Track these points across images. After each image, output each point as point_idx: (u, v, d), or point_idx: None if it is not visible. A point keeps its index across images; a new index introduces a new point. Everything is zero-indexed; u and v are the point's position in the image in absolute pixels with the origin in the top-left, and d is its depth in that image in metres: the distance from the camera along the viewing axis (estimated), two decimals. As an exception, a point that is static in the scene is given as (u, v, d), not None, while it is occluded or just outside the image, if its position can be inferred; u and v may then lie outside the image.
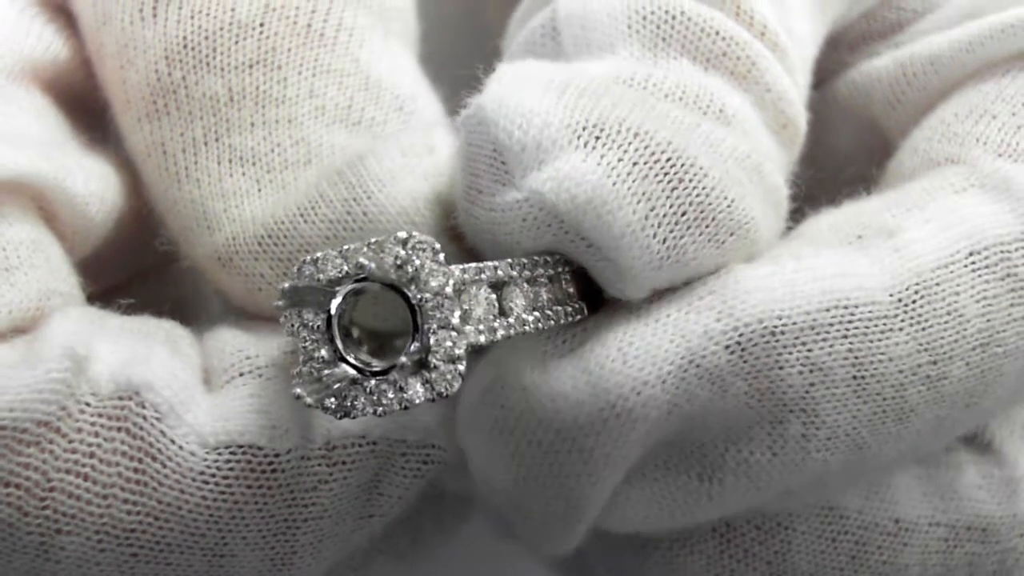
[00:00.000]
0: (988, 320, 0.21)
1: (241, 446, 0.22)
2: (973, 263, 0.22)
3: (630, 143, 0.20)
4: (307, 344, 0.20)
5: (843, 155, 0.28)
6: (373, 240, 0.20)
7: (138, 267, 0.28)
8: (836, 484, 0.22)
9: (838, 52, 0.28)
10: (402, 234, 0.19)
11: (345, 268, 0.20)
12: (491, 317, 0.20)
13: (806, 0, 0.25)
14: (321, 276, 0.20)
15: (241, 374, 0.23)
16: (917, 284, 0.21)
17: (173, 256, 0.25)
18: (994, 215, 0.22)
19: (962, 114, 0.24)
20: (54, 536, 0.21)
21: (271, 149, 0.23)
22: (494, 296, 0.20)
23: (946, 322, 0.21)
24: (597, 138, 0.20)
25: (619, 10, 0.23)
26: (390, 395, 0.19)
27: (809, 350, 0.20)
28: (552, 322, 0.21)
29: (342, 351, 0.20)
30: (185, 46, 0.23)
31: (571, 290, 0.21)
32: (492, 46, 0.28)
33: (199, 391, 0.22)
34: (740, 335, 0.20)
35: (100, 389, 0.21)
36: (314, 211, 0.23)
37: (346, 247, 0.20)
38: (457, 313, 0.19)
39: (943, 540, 0.24)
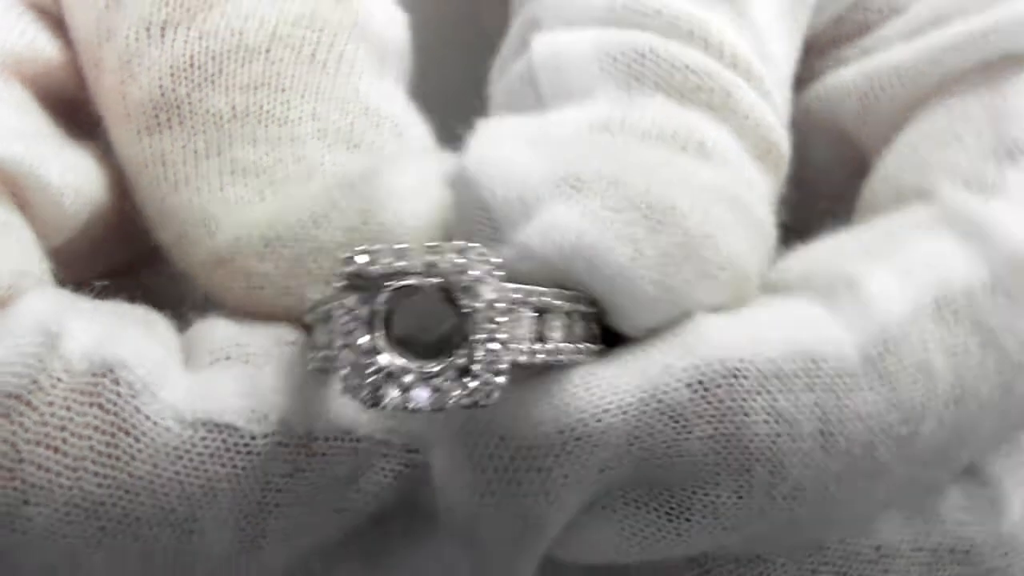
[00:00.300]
0: (959, 374, 0.22)
1: (218, 424, 0.21)
2: (940, 313, 0.22)
3: (608, 192, 0.21)
4: (348, 330, 0.20)
5: (817, 168, 0.29)
6: (432, 244, 0.20)
7: (114, 264, 0.28)
8: (810, 531, 0.23)
9: (808, 59, 0.28)
10: (459, 243, 0.20)
11: (399, 264, 0.20)
12: (532, 340, 0.21)
13: (778, 20, 0.25)
14: (373, 268, 0.20)
15: (228, 358, 0.23)
16: (885, 339, 0.21)
17: (154, 255, 0.25)
18: (961, 258, 0.22)
19: (930, 138, 0.25)
20: (21, 507, 0.20)
21: (273, 164, 0.24)
22: (536, 320, 0.21)
23: (915, 379, 0.21)
24: (576, 188, 0.21)
25: (589, 54, 0.24)
26: (424, 395, 0.20)
27: (775, 399, 0.21)
28: (582, 356, 0.21)
29: (383, 344, 0.20)
30: (191, 65, 0.24)
31: (597, 332, 0.22)
32: (487, 52, 0.29)
33: (176, 370, 0.22)
34: (702, 374, 0.21)
35: (73, 366, 0.21)
36: (327, 218, 0.23)
37: (401, 245, 0.20)
38: (506, 330, 0.20)
39: (925, 564, 0.24)
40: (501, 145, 0.22)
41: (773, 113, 0.24)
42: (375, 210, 0.23)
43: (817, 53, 0.28)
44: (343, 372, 0.20)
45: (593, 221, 0.21)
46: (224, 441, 0.21)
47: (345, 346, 0.20)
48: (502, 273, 0.20)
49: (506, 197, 0.22)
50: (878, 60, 0.26)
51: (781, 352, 0.21)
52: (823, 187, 0.27)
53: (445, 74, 0.27)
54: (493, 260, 0.20)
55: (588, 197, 0.21)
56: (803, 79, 0.28)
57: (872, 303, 0.22)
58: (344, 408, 0.22)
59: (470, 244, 0.20)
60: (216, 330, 0.23)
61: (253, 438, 0.22)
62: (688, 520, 0.22)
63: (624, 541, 0.22)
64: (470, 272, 0.19)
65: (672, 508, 0.22)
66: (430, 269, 0.20)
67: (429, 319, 0.20)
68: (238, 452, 0.22)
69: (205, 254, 0.24)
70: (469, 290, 0.20)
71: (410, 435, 0.23)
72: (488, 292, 0.20)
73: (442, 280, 0.20)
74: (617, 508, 0.22)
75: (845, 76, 0.27)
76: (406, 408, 0.20)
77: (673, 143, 0.23)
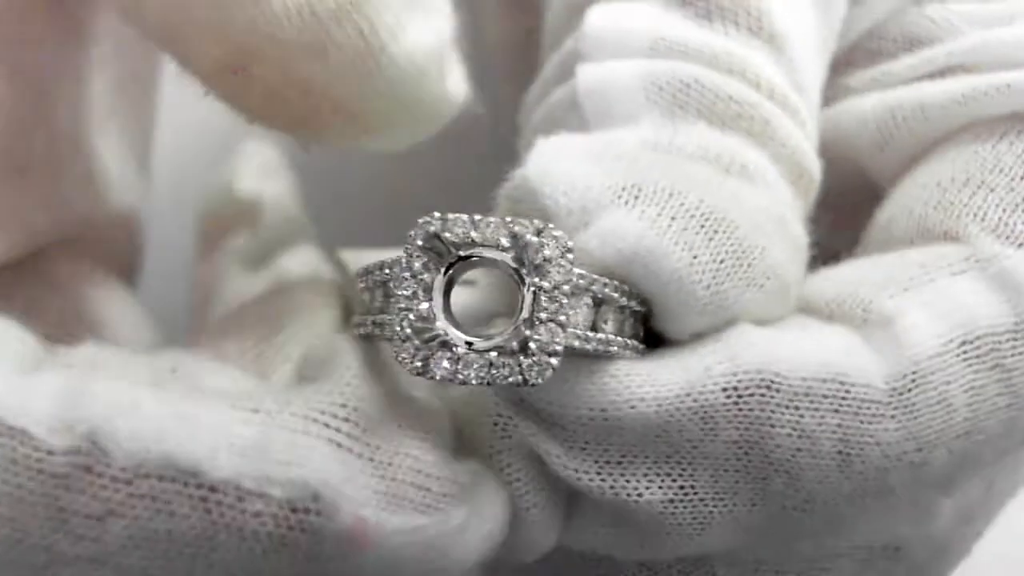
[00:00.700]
0: (974, 410, 0.23)
1: (10, 427, 0.18)
2: (964, 352, 0.23)
3: (666, 201, 0.22)
4: (409, 295, 0.20)
5: (826, 188, 0.29)
6: (509, 219, 0.20)
7: None
8: (811, 540, 0.24)
9: None
10: (538, 222, 0.20)
11: (473, 235, 0.20)
12: (587, 328, 0.21)
13: (812, 50, 0.26)
14: (446, 234, 0.20)
15: (70, 366, 0.20)
16: (914, 373, 0.22)
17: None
18: (989, 304, 0.23)
19: (959, 180, 0.25)
20: None
21: None
22: (593, 310, 0.21)
23: (935, 411, 0.22)
24: (636, 197, 0.22)
25: (635, 84, 0.25)
26: (476, 367, 0.20)
27: (801, 415, 0.22)
28: (629, 351, 0.22)
29: (441, 312, 0.20)
30: None
31: (641, 332, 0.22)
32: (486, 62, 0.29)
33: (4, 371, 0.19)
34: (739, 380, 0.22)
35: None
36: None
37: (478, 217, 0.20)
38: (568, 313, 0.20)
39: (860, 561, 0.24)
40: (562, 158, 0.23)
41: (807, 141, 0.25)
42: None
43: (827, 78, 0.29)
44: (396, 336, 0.20)
45: (652, 227, 0.22)
46: (14, 450, 0.17)
47: (404, 310, 0.20)
48: (573, 257, 0.20)
49: (568, 206, 0.22)
50: (901, 94, 0.27)
51: (815, 373, 0.22)
52: (832, 206, 0.28)
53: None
54: (567, 243, 0.20)
55: (647, 205, 0.22)
56: None
57: (904, 338, 0.22)
58: (202, 436, 0.18)
59: (548, 224, 0.20)
60: (87, 347, 0.20)
61: (51, 452, 0.17)
62: (709, 528, 0.22)
63: (643, 549, 0.23)
64: (544, 252, 0.20)
65: (695, 517, 0.22)
66: (504, 244, 0.20)
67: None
68: (26, 468, 0.17)
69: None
70: (540, 269, 0.20)
71: (301, 485, 0.19)
72: (557, 274, 0.20)
73: (514, 256, 0.20)
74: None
75: (863, 105, 0.28)
76: (453, 379, 0.20)
77: (718, 165, 0.24)
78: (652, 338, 0.23)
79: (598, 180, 0.22)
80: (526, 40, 0.30)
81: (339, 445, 0.19)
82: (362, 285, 0.22)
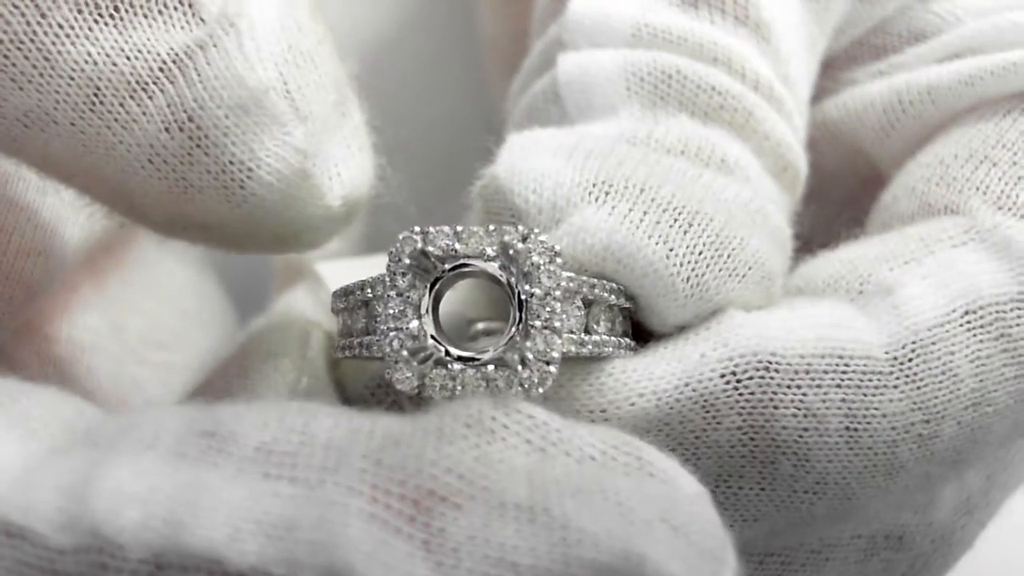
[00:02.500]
0: (981, 380, 0.22)
1: (21, 527, 0.16)
2: (968, 322, 0.23)
3: (638, 196, 0.22)
4: (397, 314, 0.20)
5: (828, 176, 0.29)
6: (492, 227, 0.19)
7: None
8: (823, 526, 0.23)
9: (821, 79, 0.29)
10: (522, 228, 0.19)
11: (458, 247, 0.19)
12: (580, 331, 0.20)
13: (798, 43, 0.26)
14: (430, 248, 0.19)
15: (87, 446, 0.17)
16: (914, 343, 0.22)
17: None
18: (991, 274, 0.23)
19: (962, 157, 0.25)
20: None
21: None
22: (584, 312, 0.21)
23: (940, 382, 0.22)
24: (607, 193, 0.22)
25: (616, 74, 0.24)
26: (473, 383, 0.19)
27: (804, 394, 0.21)
28: (623, 350, 0.21)
29: (432, 329, 0.20)
30: None
31: (630, 330, 0.22)
32: (482, 50, 0.28)
33: (15, 453, 0.17)
34: (735, 365, 0.21)
35: None
36: None
37: (460, 228, 0.19)
38: (561, 319, 0.19)
39: (862, 551, 0.24)
40: (532, 155, 0.23)
41: (792, 134, 0.25)
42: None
43: (829, 73, 0.29)
44: (389, 358, 0.20)
45: (623, 222, 0.21)
46: (24, 552, 0.16)
47: (393, 330, 0.20)
48: (561, 261, 0.19)
49: (538, 204, 0.22)
50: (908, 77, 0.27)
51: (812, 349, 0.22)
52: (834, 193, 0.28)
53: (440, 76, 0.26)
54: (554, 248, 0.19)
55: (618, 201, 0.21)
56: (816, 97, 0.29)
57: (904, 308, 0.22)
58: (222, 518, 0.16)
59: (533, 230, 0.19)
60: (125, 414, 0.19)
61: (60, 552, 0.16)
62: None
63: None
64: (532, 258, 0.19)
65: None
66: (490, 253, 0.19)
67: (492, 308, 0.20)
68: (38, 569, 0.16)
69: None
70: (529, 276, 0.19)
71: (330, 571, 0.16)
72: (547, 280, 0.19)
73: (501, 264, 0.19)
74: None
75: (871, 90, 0.28)
76: (451, 395, 0.19)
77: (697, 159, 0.23)
78: (640, 336, 0.22)
79: (568, 177, 0.22)
80: (521, 36, 0.29)
81: (385, 523, 0.16)
82: (341, 306, 0.22)
